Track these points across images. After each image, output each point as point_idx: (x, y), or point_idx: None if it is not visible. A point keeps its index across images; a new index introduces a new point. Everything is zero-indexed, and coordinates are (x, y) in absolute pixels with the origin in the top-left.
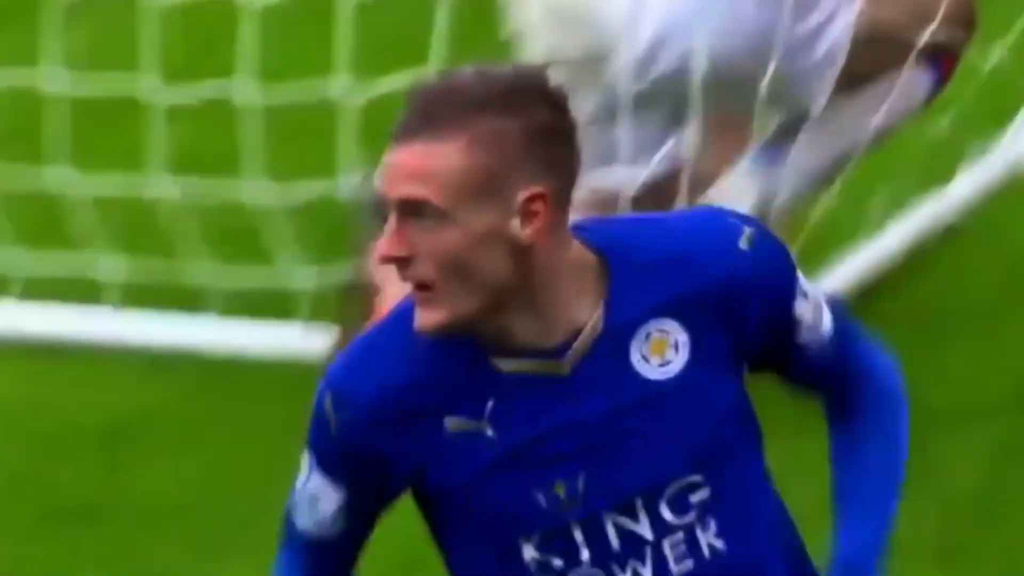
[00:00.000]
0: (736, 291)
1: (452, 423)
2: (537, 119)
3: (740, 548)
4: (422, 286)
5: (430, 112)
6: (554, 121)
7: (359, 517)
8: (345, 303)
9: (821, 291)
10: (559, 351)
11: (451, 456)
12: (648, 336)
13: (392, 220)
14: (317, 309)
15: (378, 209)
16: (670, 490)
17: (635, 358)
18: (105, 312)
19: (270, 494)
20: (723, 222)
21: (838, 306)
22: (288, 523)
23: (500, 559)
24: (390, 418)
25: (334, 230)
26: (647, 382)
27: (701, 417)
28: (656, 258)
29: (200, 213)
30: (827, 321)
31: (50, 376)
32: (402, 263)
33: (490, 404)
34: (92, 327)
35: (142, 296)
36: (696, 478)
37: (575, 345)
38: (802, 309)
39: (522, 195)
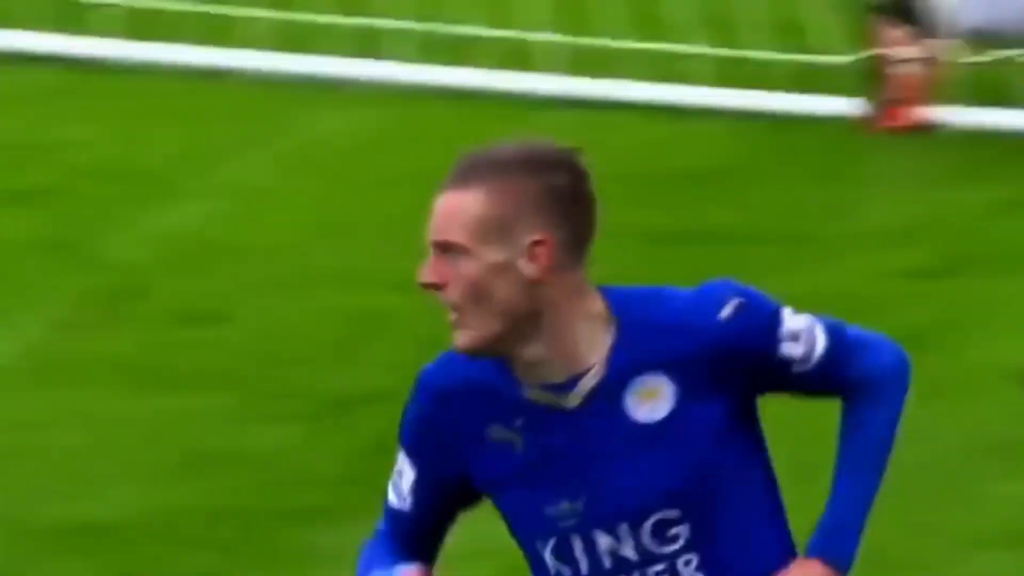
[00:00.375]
0: (719, 354)
1: (494, 429)
2: (552, 182)
3: None
4: (452, 309)
5: (463, 170)
6: (569, 186)
7: (430, 497)
8: (869, 78)
9: (812, 320)
10: (567, 387)
11: (490, 457)
12: (642, 384)
13: (430, 255)
14: (851, 82)
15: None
16: (651, 520)
17: (629, 402)
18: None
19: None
20: (714, 296)
21: (832, 325)
22: (386, 492)
23: (532, 556)
24: (453, 410)
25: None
26: (636, 423)
27: (681, 460)
28: (657, 324)
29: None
30: (820, 346)
31: (659, 130)
32: (436, 290)
33: (520, 421)
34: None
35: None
36: (672, 513)
37: (581, 384)
38: (789, 351)
39: (528, 239)
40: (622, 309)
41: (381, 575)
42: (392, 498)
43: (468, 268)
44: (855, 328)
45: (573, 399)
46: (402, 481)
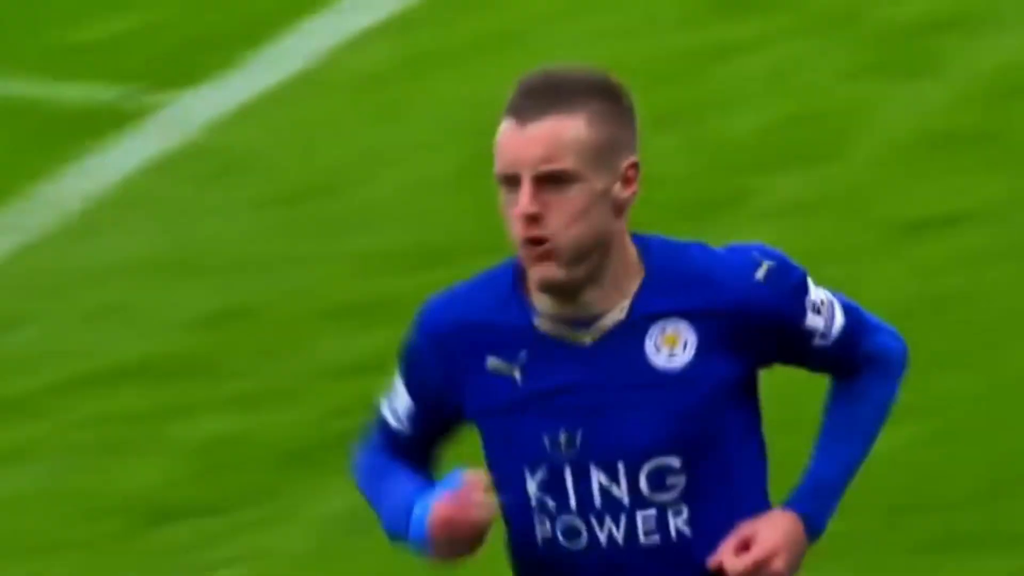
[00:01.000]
0: (749, 314)
1: (492, 362)
2: (623, 103)
3: (703, 541)
4: (543, 240)
5: (552, 93)
6: (630, 107)
7: (424, 423)
8: None
9: (830, 295)
10: (586, 322)
11: (486, 389)
12: (663, 330)
13: (527, 184)
14: None
15: None
16: (649, 465)
17: (648, 346)
18: None
19: None
20: (748, 256)
21: (847, 302)
22: (381, 399)
23: (510, 481)
24: (449, 345)
25: None
26: (653, 367)
27: (691, 410)
28: (685, 274)
29: None
30: (839, 322)
31: None
32: (535, 221)
33: (523, 354)
34: None
35: None
36: (674, 461)
37: (600, 323)
38: (813, 322)
39: (625, 162)
40: (651, 254)
41: (436, 491)
42: (387, 415)
43: (579, 196)
44: (865, 310)
45: (590, 335)
46: (398, 404)
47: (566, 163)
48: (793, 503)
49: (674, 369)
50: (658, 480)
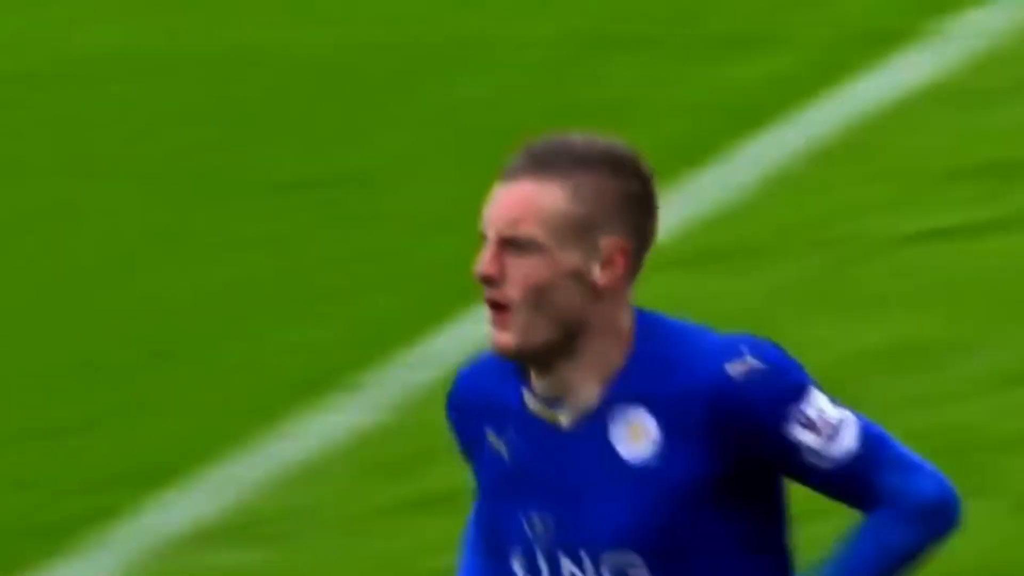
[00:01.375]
0: (714, 409)
1: (491, 435)
2: (630, 186)
3: None
4: (503, 307)
5: (542, 158)
6: (643, 192)
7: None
8: None
9: (846, 417)
10: (564, 404)
11: (484, 462)
12: (628, 419)
13: (491, 245)
14: None
15: None
16: (610, 556)
17: (614, 434)
18: None
19: None
20: (731, 347)
21: (873, 432)
22: None
23: (501, 565)
24: (465, 416)
25: None
26: (618, 457)
27: (651, 505)
28: (665, 358)
29: None
30: (844, 445)
31: None
32: (492, 283)
33: (511, 431)
34: None
35: None
36: (634, 557)
37: (575, 405)
38: (799, 435)
39: (606, 245)
40: (644, 336)
41: None
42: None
43: (538, 267)
44: (904, 448)
45: (566, 417)
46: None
47: (530, 230)
48: None
49: (637, 461)
50: (620, 570)
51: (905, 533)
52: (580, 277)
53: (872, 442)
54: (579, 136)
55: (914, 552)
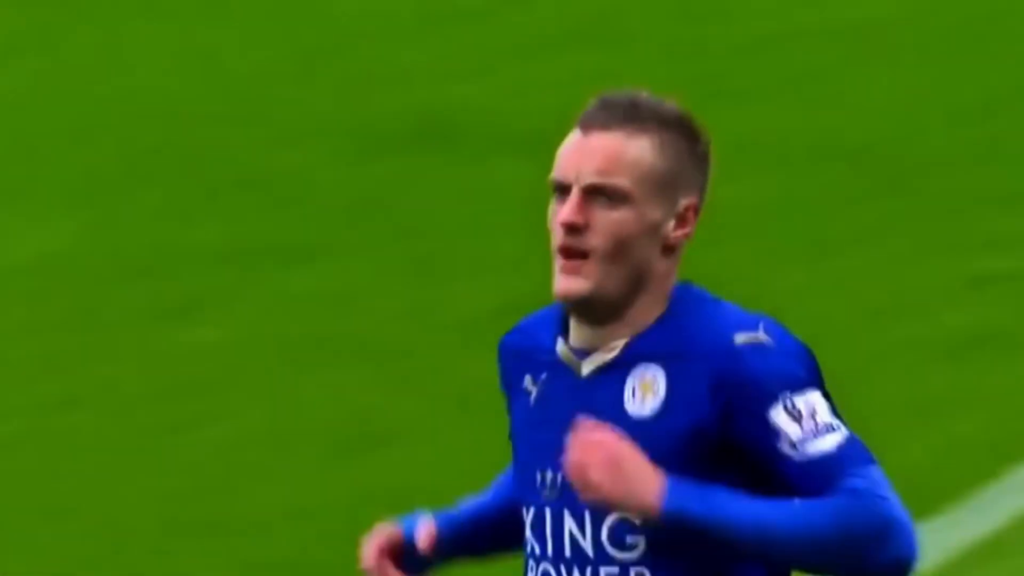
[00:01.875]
0: (717, 375)
1: (527, 380)
2: (700, 146)
3: None
4: (581, 254)
5: (629, 111)
6: (708, 152)
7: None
8: None
9: (834, 423)
10: (591, 350)
11: (518, 407)
12: (642, 375)
13: (576, 192)
14: None
15: None
16: (611, 517)
17: (627, 389)
18: None
19: None
20: (747, 320)
21: (858, 448)
22: None
23: (521, 525)
24: (506, 364)
25: None
26: (626, 412)
27: (656, 463)
28: (686, 324)
29: None
30: (823, 446)
31: None
32: (576, 231)
33: (544, 375)
34: None
35: None
36: (635, 519)
37: (596, 357)
38: (782, 421)
39: (683, 202)
40: (678, 300)
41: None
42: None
43: (623, 216)
44: (883, 476)
45: (587, 367)
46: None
47: (622, 181)
48: (672, 482)
49: (643, 416)
50: (619, 537)
51: (849, 528)
52: (658, 232)
53: (853, 455)
54: (658, 97)
55: (834, 553)
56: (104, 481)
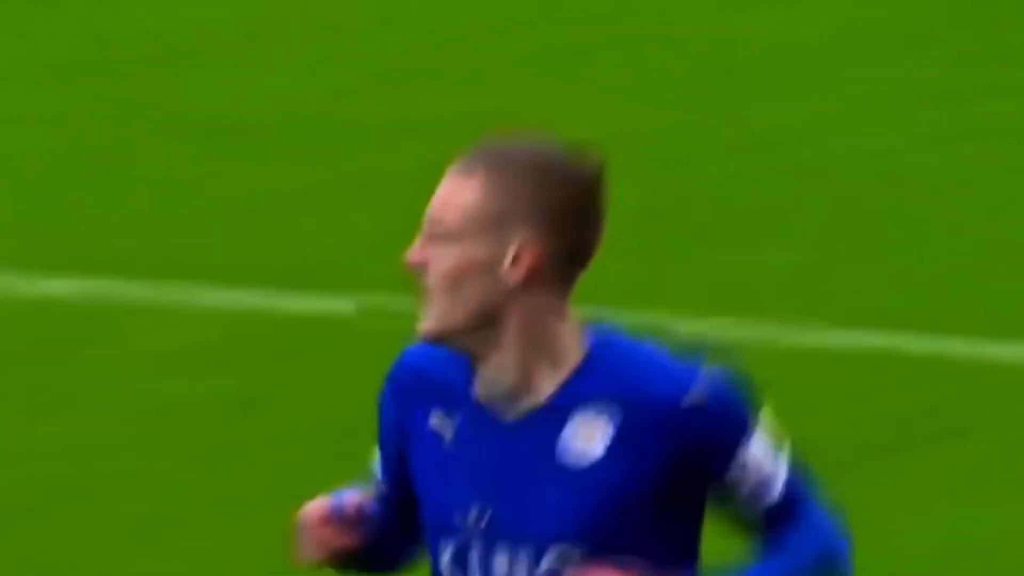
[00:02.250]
0: (667, 431)
1: (436, 417)
2: (560, 191)
3: None
4: (427, 293)
5: (472, 156)
6: (575, 199)
7: (390, 475)
8: None
9: (782, 460)
10: (510, 400)
11: (424, 443)
12: (582, 421)
13: (422, 235)
14: None
15: None
16: (551, 553)
17: (564, 436)
18: None
19: None
20: (691, 377)
21: (798, 476)
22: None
23: (433, 553)
24: (405, 392)
25: None
26: (566, 455)
27: (596, 506)
28: (623, 368)
29: None
30: (777, 489)
31: None
32: (415, 271)
33: (459, 416)
34: None
35: None
36: (574, 552)
37: (522, 403)
38: (737, 474)
39: (516, 243)
40: (599, 345)
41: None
42: (373, 468)
43: (450, 254)
44: (817, 490)
45: (511, 412)
46: (374, 457)
47: (447, 220)
48: None
49: (586, 460)
50: (560, 566)
51: (824, 548)
52: (490, 271)
53: (800, 487)
54: (527, 140)
55: (827, 564)
56: None
